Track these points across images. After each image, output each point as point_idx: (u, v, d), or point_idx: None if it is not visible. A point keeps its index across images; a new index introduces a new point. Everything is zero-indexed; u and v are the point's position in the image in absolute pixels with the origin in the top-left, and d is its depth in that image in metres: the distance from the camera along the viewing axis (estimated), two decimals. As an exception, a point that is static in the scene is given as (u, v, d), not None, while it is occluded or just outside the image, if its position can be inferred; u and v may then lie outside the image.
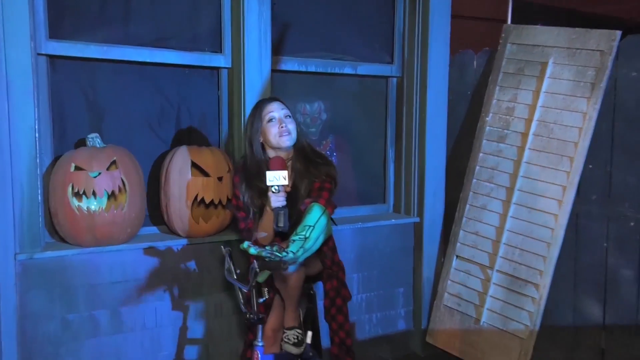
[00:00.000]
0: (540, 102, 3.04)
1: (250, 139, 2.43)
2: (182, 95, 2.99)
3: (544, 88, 3.03)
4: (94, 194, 2.48)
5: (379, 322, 3.35)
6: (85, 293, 2.61)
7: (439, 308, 3.38)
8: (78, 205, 2.48)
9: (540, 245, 2.99)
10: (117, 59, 2.74)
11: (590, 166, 2.96)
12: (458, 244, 3.32)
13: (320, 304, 2.60)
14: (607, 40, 2.86)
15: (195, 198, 2.72)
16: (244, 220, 2.44)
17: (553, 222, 2.96)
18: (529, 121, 3.07)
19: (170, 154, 2.78)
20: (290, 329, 2.43)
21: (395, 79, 3.48)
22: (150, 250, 2.73)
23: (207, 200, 2.74)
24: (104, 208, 2.52)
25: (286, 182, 2.25)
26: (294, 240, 2.08)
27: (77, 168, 2.48)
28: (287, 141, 2.39)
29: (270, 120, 2.40)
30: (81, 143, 2.75)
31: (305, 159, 2.42)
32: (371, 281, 3.30)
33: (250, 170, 2.41)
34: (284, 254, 2.00)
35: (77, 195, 2.49)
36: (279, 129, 2.38)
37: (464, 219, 3.30)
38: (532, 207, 3.03)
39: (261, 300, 2.12)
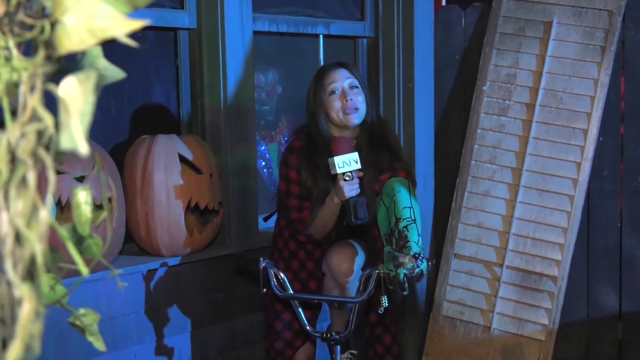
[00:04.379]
0: (546, 68, 3.96)
1: (312, 113, 2.92)
2: (132, 67, 3.30)
3: (549, 52, 3.96)
4: (80, 204, 2.73)
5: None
6: (54, 343, 2.84)
7: (437, 320, 4.15)
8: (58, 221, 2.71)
9: (556, 231, 3.93)
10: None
11: (601, 139, 3.96)
12: (457, 241, 4.12)
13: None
14: (614, -1, 3.88)
15: (189, 204, 3.09)
16: (297, 209, 2.91)
17: (568, 204, 3.91)
18: (534, 90, 3.99)
19: (142, 145, 3.11)
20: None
21: (365, 40, 4.14)
22: (129, 279, 3.03)
23: (203, 206, 3.12)
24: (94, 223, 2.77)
25: (359, 166, 2.73)
26: (406, 227, 2.62)
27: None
28: (353, 119, 2.90)
29: (332, 92, 2.89)
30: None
31: (373, 141, 2.94)
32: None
33: (314, 149, 2.89)
34: (420, 251, 2.57)
35: (58, 207, 2.72)
36: (343, 103, 2.87)
37: (463, 209, 4.11)
38: (543, 189, 3.95)
39: (381, 310, 2.64)
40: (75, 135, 0.57)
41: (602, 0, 3.92)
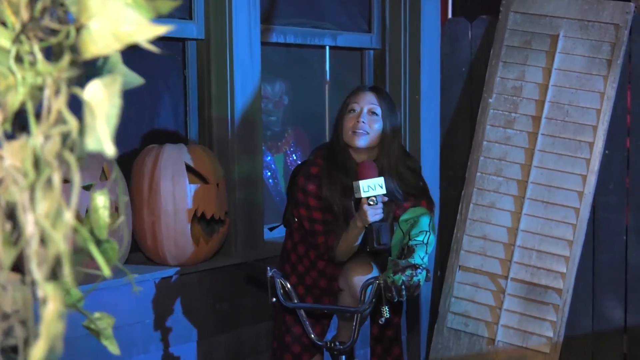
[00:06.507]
0: (552, 81, 3.98)
1: (337, 126, 2.94)
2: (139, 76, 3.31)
3: (555, 64, 3.98)
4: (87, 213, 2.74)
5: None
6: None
7: (441, 332, 4.15)
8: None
9: (561, 244, 3.93)
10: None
11: (607, 152, 3.97)
12: (462, 252, 4.13)
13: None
14: (621, 12, 3.90)
15: (195, 213, 3.09)
16: (323, 234, 2.91)
17: (574, 216, 3.92)
18: (540, 102, 4.00)
19: (149, 155, 3.12)
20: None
21: (372, 52, 4.16)
22: (135, 287, 3.03)
23: (209, 215, 3.13)
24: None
25: (384, 191, 2.71)
26: (415, 246, 2.66)
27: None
28: (358, 141, 2.87)
29: (350, 110, 2.90)
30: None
31: (393, 168, 2.93)
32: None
33: (335, 161, 2.89)
34: (422, 254, 2.59)
35: (66, 216, 2.73)
36: (354, 123, 2.87)
37: (468, 221, 4.12)
38: (548, 201, 3.96)
39: (382, 320, 2.65)
40: (102, 137, 0.58)
41: (609, 14, 3.93)
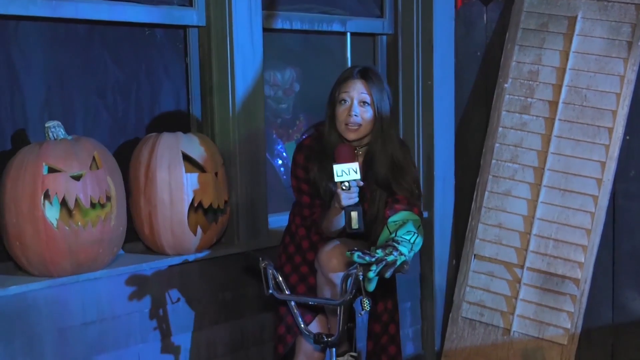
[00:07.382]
0: (569, 64, 3.84)
1: (328, 113, 2.90)
2: (139, 65, 3.28)
3: (573, 47, 3.83)
4: (77, 202, 2.72)
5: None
6: (53, 341, 2.84)
7: (456, 322, 4.06)
8: (57, 220, 2.70)
9: (579, 233, 3.80)
10: (64, 18, 2.97)
11: (628, 137, 3.81)
12: (477, 241, 4.02)
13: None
14: (641, -8, 3.72)
15: (192, 202, 3.05)
16: (309, 206, 2.92)
17: (592, 204, 3.78)
18: (557, 87, 3.86)
19: (146, 144, 3.10)
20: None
21: (385, 37, 4.06)
22: (132, 277, 3.01)
23: (206, 205, 3.09)
24: (91, 221, 2.77)
25: (358, 176, 2.68)
26: (400, 241, 2.58)
27: (51, 169, 2.70)
28: (351, 135, 2.85)
29: (342, 101, 2.85)
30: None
31: (385, 159, 2.87)
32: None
33: (325, 146, 2.87)
34: (405, 250, 2.52)
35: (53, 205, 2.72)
36: (346, 117, 2.83)
37: (483, 209, 4.00)
38: (566, 188, 3.82)
39: (361, 313, 2.58)
40: None
41: (629, -7, 3.76)
